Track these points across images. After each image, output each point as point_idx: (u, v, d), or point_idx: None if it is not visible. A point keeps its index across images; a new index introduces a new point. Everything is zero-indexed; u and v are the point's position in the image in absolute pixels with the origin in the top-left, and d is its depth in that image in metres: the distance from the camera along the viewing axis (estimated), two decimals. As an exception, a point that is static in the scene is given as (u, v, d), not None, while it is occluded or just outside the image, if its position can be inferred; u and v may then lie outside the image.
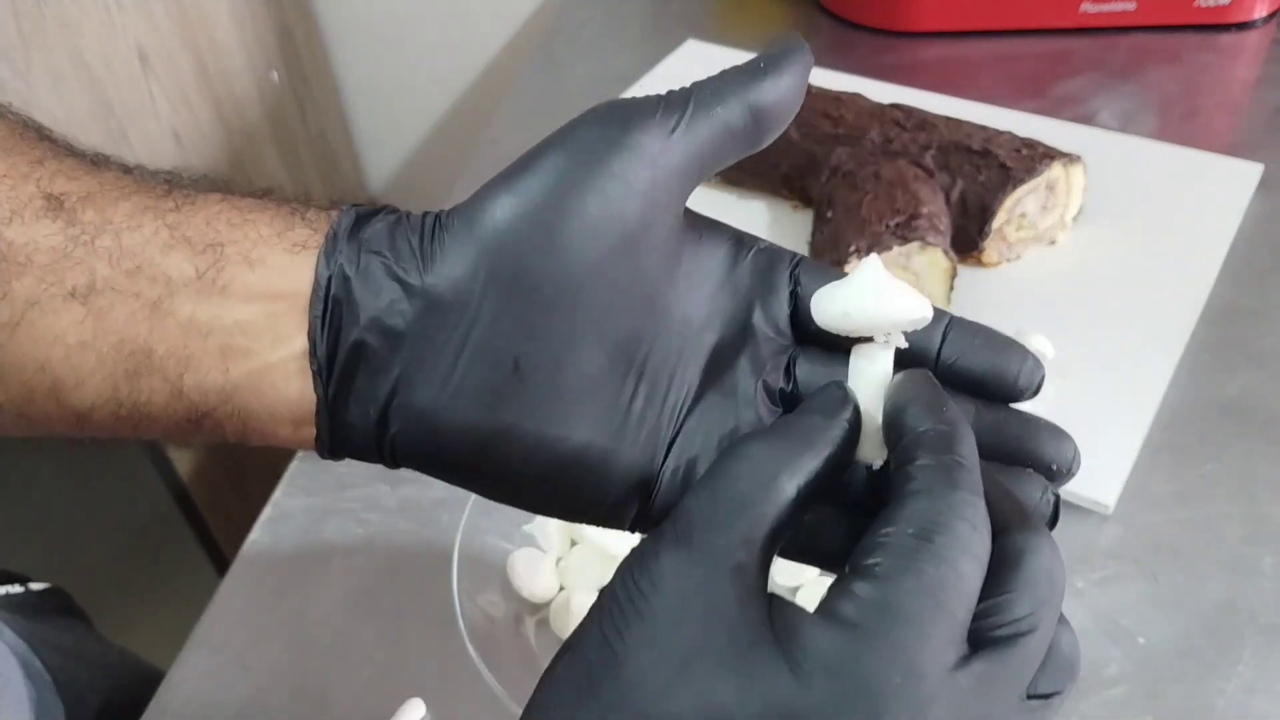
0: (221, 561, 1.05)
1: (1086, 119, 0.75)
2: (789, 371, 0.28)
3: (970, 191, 0.60)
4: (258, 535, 0.54)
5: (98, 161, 0.29)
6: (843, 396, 0.26)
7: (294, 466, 0.57)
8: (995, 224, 0.60)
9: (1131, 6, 0.83)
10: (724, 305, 0.29)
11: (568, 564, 0.50)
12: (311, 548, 0.53)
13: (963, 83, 0.79)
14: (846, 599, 0.22)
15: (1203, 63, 0.81)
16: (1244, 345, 0.58)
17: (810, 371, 0.28)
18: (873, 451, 0.26)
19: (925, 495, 0.23)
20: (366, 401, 0.27)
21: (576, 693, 0.23)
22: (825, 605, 0.23)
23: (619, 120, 0.27)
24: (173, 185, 0.28)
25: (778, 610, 0.23)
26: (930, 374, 0.26)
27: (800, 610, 0.23)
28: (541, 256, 0.26)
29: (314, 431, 0.27)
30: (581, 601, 0.47)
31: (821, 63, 0.81)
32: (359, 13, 1.19)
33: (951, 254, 0.57)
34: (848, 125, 0.64)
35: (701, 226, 0.30)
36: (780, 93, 0.28)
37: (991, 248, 0.61)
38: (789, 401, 0.28)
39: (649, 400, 0.27)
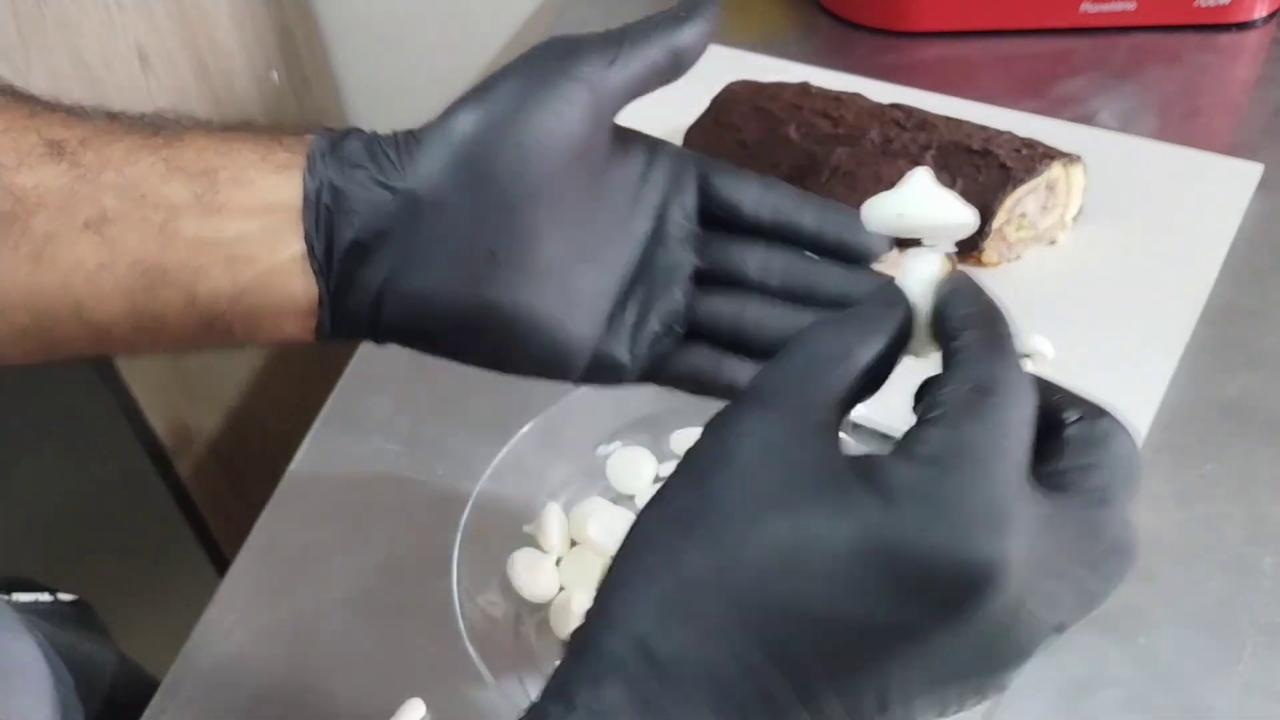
0: (222, 561, 1.05)
1: (1086, 119, 0.75)
2: (701, 252, 0.35)
3: (970, 191, 0.60)
4: (258, 535, 0.54)
5: (83, 112, 0.33)
6: (897, 291, 0.29)
7: (294, 467, 0.57)
8: (995, 224, 0.60)
9: (1131, 6, 0.83)
10: (648, 199, 0.35)
11: (568, 564, 0.50)
12: (311, 548, 0.53)
13: (963, 83, 0.79)
14: (920, 443, 0.25)
15: (1203, 63, 0.81)
16: (1244, 345, 0.58)
17: (719, 250, 0.35)
18: (921, 345, 0.29)
19: (976, 361, 0.26)
20: (363, 290, 0.31)
21: (669, 534, 0.25)
22: (900, 450, 0.25)
23: (568, 53, 0.32)
24: (158, 125, 0.32)
25: (855, 460, 0.26)
26: (969, 276, 0.29)
27: (877, 455, 0.25)
28: (506, 162, 0.31)
29: (315, 322, 0.32)
30: (582, 601, 0.47)
31: (822, 63, 0.81)
32: (359, 13, 1.19)
33: (951, 254, 0.57)
34: (848, 125, 0.65)
35: (624, 135, 0.35)
36: (694, 38, 0.34)
37: (991, 248, 0.61)
38: (703, 277, 0.35)
39: (597, 278, 0.34)
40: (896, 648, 0.24)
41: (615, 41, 0.33)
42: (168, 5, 0.94)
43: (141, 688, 0.53)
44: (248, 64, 1.07)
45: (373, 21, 1.19)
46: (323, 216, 0.31)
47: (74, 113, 0.33)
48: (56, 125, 0.32)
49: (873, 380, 0.28)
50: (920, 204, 0.30)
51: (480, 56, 1.17)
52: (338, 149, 0.31)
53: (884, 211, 0.30)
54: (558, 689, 0.25)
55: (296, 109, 1.16)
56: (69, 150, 0.31)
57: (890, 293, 0.29)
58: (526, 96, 0.31)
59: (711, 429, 0.27)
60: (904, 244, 0.31)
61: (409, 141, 0.31)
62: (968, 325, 0.27)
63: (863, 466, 0.25)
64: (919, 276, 0.29)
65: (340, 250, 0.31)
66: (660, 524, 0.26)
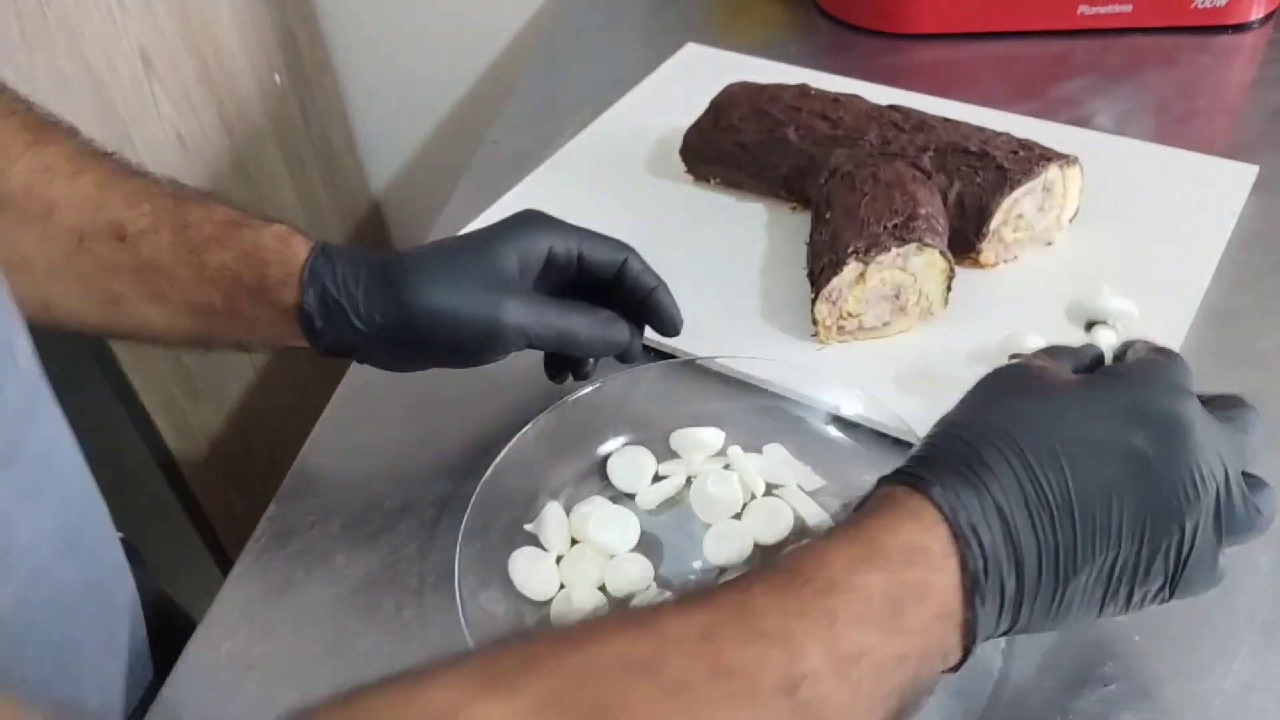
0: (224, 561, 1.05)
1: (1083, 121, 0.75)
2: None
3: (968, 193, 0.60)
4: (260, 534, 0.54)
5: (140, 192, 0.45)
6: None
7: (297, 466, 0.57)
8: (992, 225, 0.60)
9: (1128, 8, 0.83)
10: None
11: (568, 563, 0.50)
12: (314, 547, 0.53)
13: (960, 85, 0.79)
14: (1129, 356, 0.43)
15: (1199, 64, 0.81)
16: (1240, 346, 0.58)
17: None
18: None
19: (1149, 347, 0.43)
20: (328, 347, 0.47)
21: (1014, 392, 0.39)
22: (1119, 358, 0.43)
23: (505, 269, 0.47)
24: (189, 224, 0.45)
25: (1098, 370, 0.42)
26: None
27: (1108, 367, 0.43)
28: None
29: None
30: (582, 600, 0.47)
31: (820, 65, 0.81)
32: (361, 15, 1.19)
33: (949, 255, 0.57)
34: (846, 127, 0.65)
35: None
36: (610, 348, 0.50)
37: (989, 249, 0.62)
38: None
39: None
40: (1141, 473, 0.35)
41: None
42: (170, 7, 0.95)
43: (178, 624, 0.55)
44: (250, 65, 1.07)
45: (374, 23, 1.19)
46: (306, 320, 0.45)
47: (129, 195, 0.44)
48: (119, 206, 0.44)
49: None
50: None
51: (480, 58, 1.17)
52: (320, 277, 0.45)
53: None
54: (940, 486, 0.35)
55: (298, 110, 1.17)
56: (129, 238, 0.43)
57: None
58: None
59: (1011, 371, 0.41)
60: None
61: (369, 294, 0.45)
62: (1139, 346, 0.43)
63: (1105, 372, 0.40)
64: (1106, 343, 0.46)
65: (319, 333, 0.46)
66: (1033, 398, 0.38)
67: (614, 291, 0.49)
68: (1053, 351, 0.43)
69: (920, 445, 0.38)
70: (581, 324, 0.47)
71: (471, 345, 0.46)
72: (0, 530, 0.36)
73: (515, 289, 0.46)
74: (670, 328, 0.50)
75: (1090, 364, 0.43)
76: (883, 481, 0.37)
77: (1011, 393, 0.39)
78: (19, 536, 0.37)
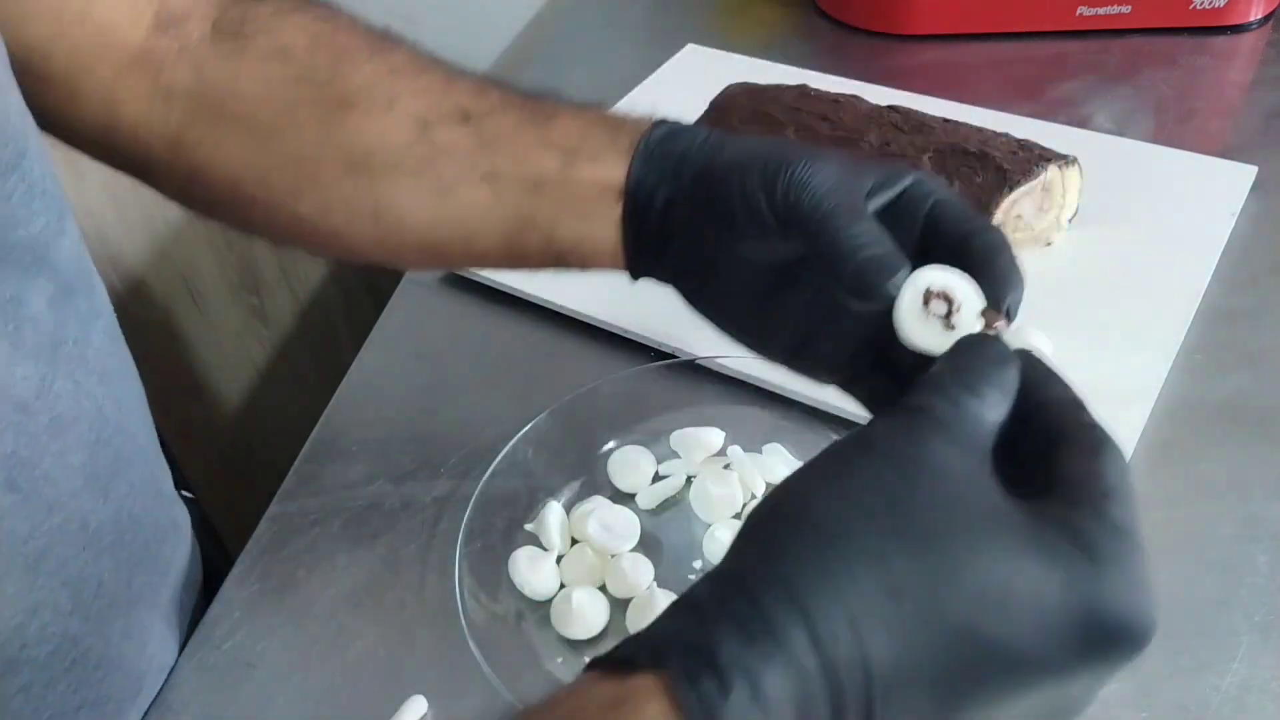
0: (225, 559, 1.05)
1: (1082, 122, 0.76)
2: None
3: (967, 193, 0.60)
4: (260, 534, 0.54)
5: (483, 86, 0.44)
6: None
7: (297, 466, 0.57)
8: (992, 226, 0.61)
9: (1127, 9, 0.83)
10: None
11: (568, 562, 0.50)
12: (315, 546, 0.53)
13: (960, 86, 0.79)
14: (1106, 514, 0.27)
15: (1198, 65, 0.81)
16: (1238, 346, 0.59)
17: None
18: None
19: (1111, 450, 0.29)
20: (653, 246, 0.41)
21: (869, 530, 0.26)
22: (1083, 510, 0.27)
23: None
24: (537, 105, 0.43)
25: (1033, 507, 0.27)
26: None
27: (1050, 506, 0.27)
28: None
29: (623, 262, 0.42)
30: (582, 600, 0.47)
31: (820, 66, 0.81)
32: (360, 15, 1.19)
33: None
34: (845, 128, 0.65)
35: None
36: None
37: (988, 249, 0.62)
38: None
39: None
40: (1046, 685, 0.26)
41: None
42: (170, 8, 0.95)
43: (215, 564, 0.56)
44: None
45: (373, 24, 1.19)
46: (636, 193, 0.40)
47: (477, 86, 0.44)
48: (465, 95, 0.43)
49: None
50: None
51: (480, 58, 1.17)
52: (653, 146, 0.40)
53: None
54: (706, 654, 0.25)
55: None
56: (474, 118, 0.42)
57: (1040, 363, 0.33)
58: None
59: (889, 437, 0.28)
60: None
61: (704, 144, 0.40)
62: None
63: (1050, 519, 0.27)
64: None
65: (642, 217, 0.41)
66: (854, 513, 0.26)
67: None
68: (967, 380, 0.30)
69: (685, 597, 0.27)
70: (858, 226, 0.35)
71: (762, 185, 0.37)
72: (27, 454, 0.38)
73: (859, 180, 0.37)
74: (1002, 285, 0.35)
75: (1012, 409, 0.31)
76: (598, 664, 0.27)
77: (874, 514, 0.26)
78: (41, 467, 0.38)
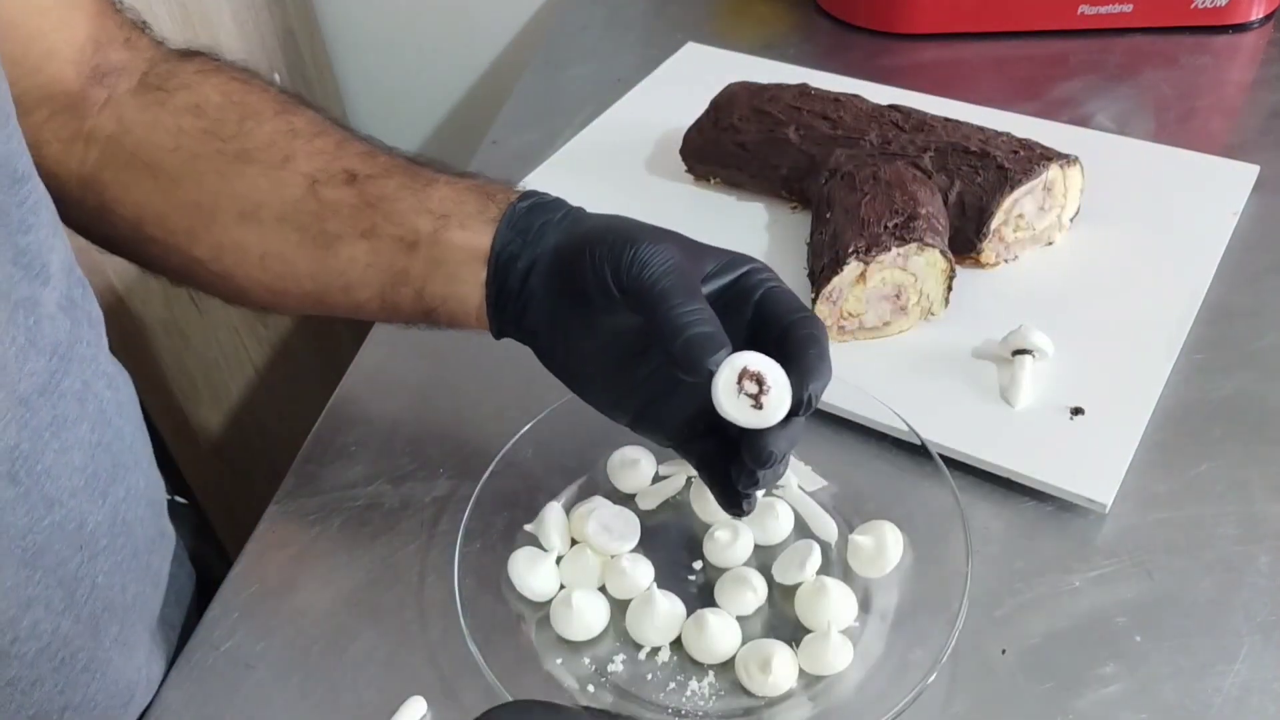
0: (225, 559, 1.05)
1: (1083, 121, 0.76)
2: None
3: (968, 193, 0.60)
4: (261, 533, 0.54)
5: (375, 151, 0.48)
6: None
7: (297, 465, 0.57)
8: (993, 225, 0.60)
9: (1128, 8, 0.83)
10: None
11: (568, 563, 0.50)
12: (314, 546, 0.53)
13: (960, 85, 0.79)
14: None
15: (1199, 64, 0.81)
16: (1239, 345, 0.58)
17: None
18: None
19: None
20: (511, 309, 0.44)
21: None
22: None
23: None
24: (416, 171, 0.47)
25: None
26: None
27: None
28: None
29: (487, 323, 0.45)
30: (581, 601, 0.47)
31: (820, 65, 0.81)
32: (361, 16, 1.19)
33: (949, 255, 0.57)
34: (846, 127, 0.65)
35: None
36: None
37: (989, 248, 0.62)
38: None
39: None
40: None
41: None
42: (171, 8, 0.95)
43: (213, 569, 0.57)
44: (250, 65, 1.07)
45: (374, 24, 1.19)
46: (499, 264, 0.44)
47: (368, 151, 0.47)
48: (355, 158, 0.47)
49: None
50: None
51: (480, 58, 1.18)
52: (517, 217, 0.44)
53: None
54: None
55: (298, 111, 1.17)
56: (360, 179, 0.46)
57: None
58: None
59: None
60: None
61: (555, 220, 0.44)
62: None
63: None
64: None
65: (503, 281, 0.44)
66: None
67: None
68: None
69: None
70: (690, 306, 0.38)
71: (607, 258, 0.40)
72: (28, 449, 0.39)
73: (696, 265, 0.41)
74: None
75: None
76: None
77: None
78: (42, 463, 0.40)
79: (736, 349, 0.38)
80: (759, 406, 0.38)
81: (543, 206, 0.45)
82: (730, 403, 0.38)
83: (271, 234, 0.46)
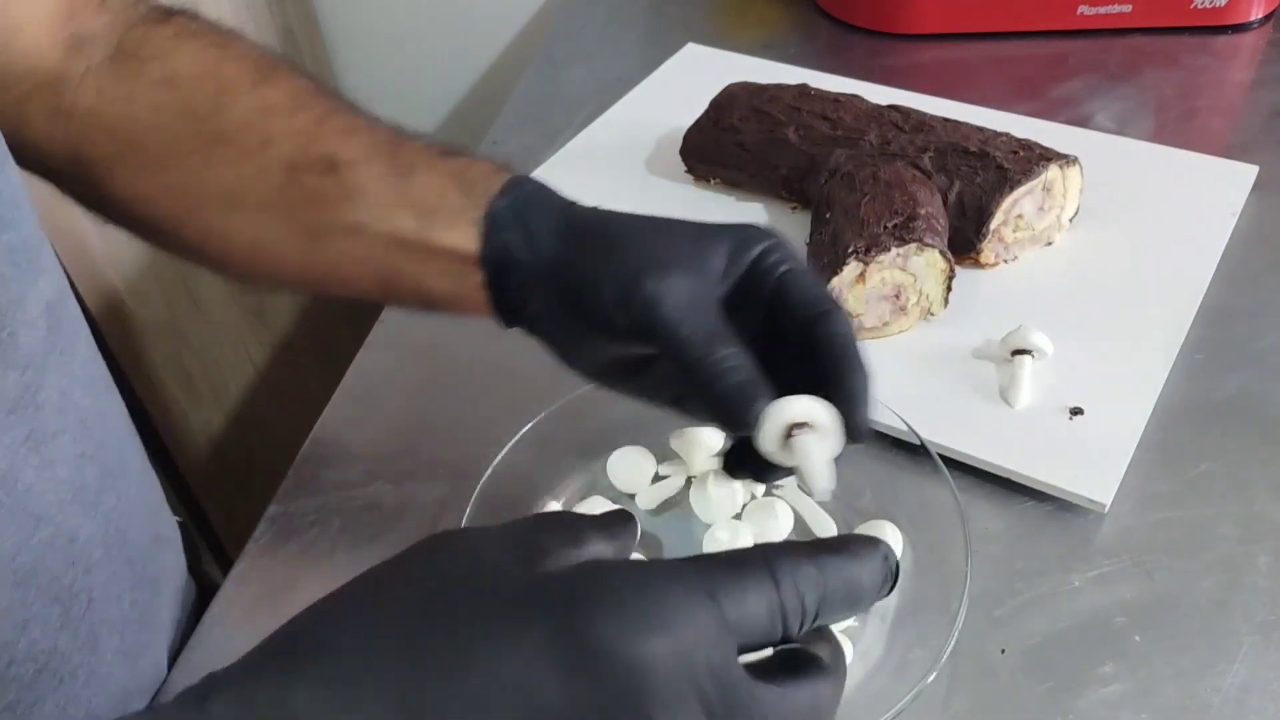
0: (225, 560, 1.05)
1: (1083, 121, 0.76)
2: None
3: (968, 193, 0.60)
4: (260, 534, 0.54)
5: (355, 126, 0.45)
6: None
7: (297, 466, 0.57)
8: (993, 225, 0.60)
9: (1128, 8, 0.83)
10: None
11: (568, 563, 0.50)
12: (315, 547, 0.53)
13: (960, 85, 0.79)
14: None
15: (1199, 64, 0.81)
16: (1239, 345, 0.58)
17: None
18: None
19: None
20: (511, 301, 0.42)
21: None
22: None
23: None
24: (398, 148, 0.44)
25: None
26: None
27: None
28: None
29: (490, 312, 0.43)
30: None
31: (820, 65, 0.81)
32: (361, 16, 1.19)
33: (949, 255, 0.57)
34: (846, 127, 0.65)
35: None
36: None
37: (989, 249, 0.62)
38: None
39: None
40: None
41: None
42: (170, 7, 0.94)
43: (212, 573, 0.56)
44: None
45: (375, 24, 1.20)
46: (492, 265, 0.42)
47: (347, 127, 0.45)
48: (334, 139, 0.44)
49: None
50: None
51: (480, 58, 1.18)
52: (499, 219, 0.42)
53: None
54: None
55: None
56: (340, 167, 0.43)
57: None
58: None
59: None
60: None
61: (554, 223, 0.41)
62: None
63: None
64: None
65: (501, 289, 0.42)
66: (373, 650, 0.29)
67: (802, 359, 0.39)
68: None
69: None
70: (717, 352, 0.36)
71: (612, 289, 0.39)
72: (6, 467, 0.37)
73: (707, 278, 0.39)
74: (853, 430, 0.37)
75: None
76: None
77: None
78: (23, 480, 0.38)
79: (754, 335, 0.36)
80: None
81: (525, 202, 0.42)
82: (780, 455, 0.35)
83: (257, 223, 0.45)
